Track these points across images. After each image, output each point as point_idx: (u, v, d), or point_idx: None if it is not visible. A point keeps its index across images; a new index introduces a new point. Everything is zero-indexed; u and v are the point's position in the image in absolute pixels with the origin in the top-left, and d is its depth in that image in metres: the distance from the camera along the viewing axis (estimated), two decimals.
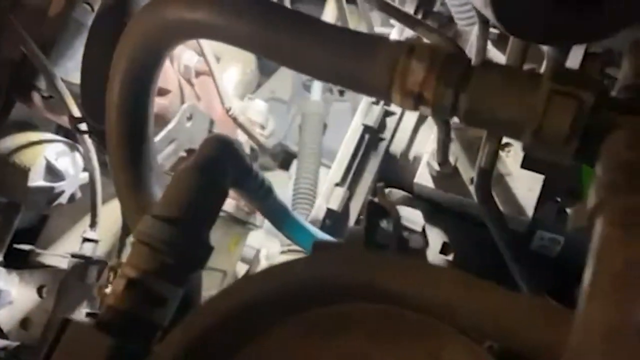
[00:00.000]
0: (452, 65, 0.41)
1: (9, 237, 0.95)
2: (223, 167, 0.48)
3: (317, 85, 1.51)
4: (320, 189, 1.56)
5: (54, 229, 1.05)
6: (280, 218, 0.57)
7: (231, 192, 1.12)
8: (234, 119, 1.02)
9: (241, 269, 1.52)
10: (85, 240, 0.96)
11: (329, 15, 1.70)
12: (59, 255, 0.98)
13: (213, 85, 1.02)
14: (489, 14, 0.41)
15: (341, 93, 1.65)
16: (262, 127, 1.28)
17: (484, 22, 0.64)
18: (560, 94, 0.37)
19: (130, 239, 0.95)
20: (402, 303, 0.35)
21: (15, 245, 0.97)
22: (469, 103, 0.41)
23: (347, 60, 0.43)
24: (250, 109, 1.25)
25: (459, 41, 0.85)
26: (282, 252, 1.45)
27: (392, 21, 0.76)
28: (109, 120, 0.56)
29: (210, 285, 1.32)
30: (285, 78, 1.83)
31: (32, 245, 1.00)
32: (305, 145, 1.55)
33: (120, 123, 0.55)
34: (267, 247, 1.55)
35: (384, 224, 0.48)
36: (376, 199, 0.47)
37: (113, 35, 0.68)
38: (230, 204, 1.13)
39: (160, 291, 0.44)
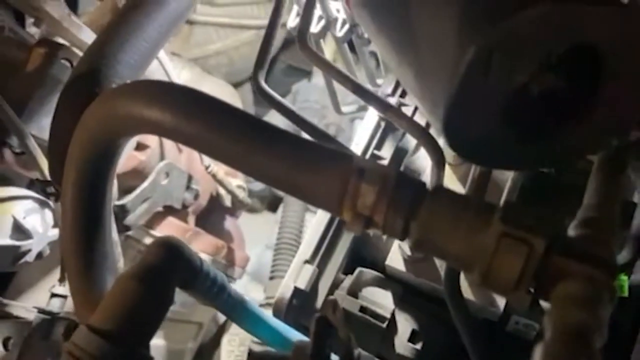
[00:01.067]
0: (404, 191, 0.39)
1: None
2: (168, 274, 0.46)
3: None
4: (304, 235, 1.54)
5: (23, 280, 1.03)
6: (237, 312, 0.55)
7: (208, 242, 1.08)
8: (213, 176, 1.00)
9: (221, 317, 1.50)
10: (54, 295, 0.93)
11: None
12: (25, 307, 0.96)
13: None
14: (443, 140, 0.40)
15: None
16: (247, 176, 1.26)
17: None
18: (510, 237, 0.35)
19: None
20: None
21: None
22: (418, 233, 0.39)
23: (297, 175, 0.41)
24: None
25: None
26: (261, 306, 1.43)
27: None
28: (63, 205, 0.55)
29: (185, 338, 1.29)
30: (275, 122, 1.83)
31: (0, 296, 0.98)
32: None
33: (75, 211, 0.53)
34: (250, 293, 1.53)
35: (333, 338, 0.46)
36: (325, 314, 0.45)
37: (83, 104, 0.67)
38: (206, 257, 1.11)
39: None
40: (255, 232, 1.57)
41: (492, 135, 0.39)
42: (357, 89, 0.65)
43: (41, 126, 0.84)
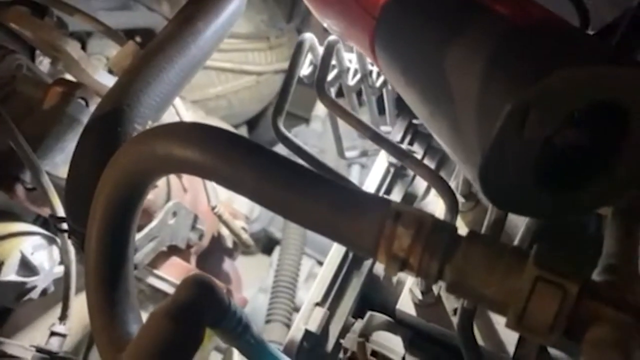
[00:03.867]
0: (439, 235, 0.41)
1: None
2: (200, 312, 0.46)
3: None
4: (301, 279, 1.55)
5: (21, 318, 1.01)
6: (258, 354, 0.55)
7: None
8: (219, 217, 1.01)
9: (215, 358, 1.47)
10: (53, 334, 0.92)
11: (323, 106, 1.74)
12: (23, 346, 0.94)
13: (200, 180, 1.02)
14: (477, 187, 0.42)
15: None
16: (247, 218, 1.28)
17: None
18: (544, 281, 0.37)
19: None
20: None
21: None
22: (453, 276, 0.40)
23: (335, 218, 0.43)
24: (237, 199, 1.25)
25: (446, 163, 0.86)
26: None
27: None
28: (88, 243, 0.55)
29: None
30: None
31: None
32: (289, 234, 1.55)
33: (100, 249, 0.54)
34: None
35: None
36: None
37: (105, 143, 0.69)
38: None
39: None
40: (249, 275, 1.56)
41: (524, 185, 0.41)
42: (374, 135, 0.68)
43: (55, 163, 0.85)
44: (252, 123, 1.95)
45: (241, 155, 0.46)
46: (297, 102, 1.90)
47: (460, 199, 0.74)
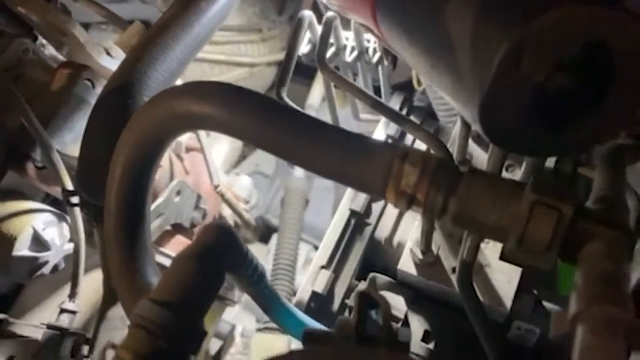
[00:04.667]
0: (443, 171, 0.45)
1: None
2: (221, 256, 0.49)
3: None
4: (299, 265, 1.58)
5: (30, 298, 1.03)
6: (271, 304, 0.58)
7: None
8: (222, 196, 1.04)
9: (215, 345, 1.50)
10: (63, 311, 0.94)
11: (316, 96, 1.78)
12: (33, 325, 0.96)
13: (202, 161, 1.05)
14: (477, 128, 0.45)
15: None
16: (247, 202, 1.31)
17: (466, 124, 0.70)
18: (542, 205, 0.41)
19: (111, 312, 0.94)
20: None
21: None
22: (457, 207, 0.44)
23: (346, 161, 0.46)
24: (236, 184, 1.28)
25: (441, 136, 0.90)
26: (259, 330, 1.44)
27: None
28: (109, 202, 0.58)
29: None
30: None
31: (6, 315, 0.98)
32: (287, 220, 1.58)
33: (120, 207, 0.57)
34: (242, 323, 1.54)
35: (373, 315, 0.50)
36: (367, 291, 0.49)
37: (117, 115, 0.72)
38: None
39: None
40: None
41: (521, 124, 0.44)
42: (376, 104, 0.71)
43: (64, 142, 0.87)
44: None
45: (255, 108, 0.49)
46: (290, 96, 1.94)
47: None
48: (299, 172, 1.67)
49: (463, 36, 0.45)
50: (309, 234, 1.64)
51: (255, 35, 1.81)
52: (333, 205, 1.60)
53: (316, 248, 1.66)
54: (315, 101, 1.77)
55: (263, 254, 1.70)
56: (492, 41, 0.42)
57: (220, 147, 1.69)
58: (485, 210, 0.43)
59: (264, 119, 0.49)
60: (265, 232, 1.76)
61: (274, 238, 1.69)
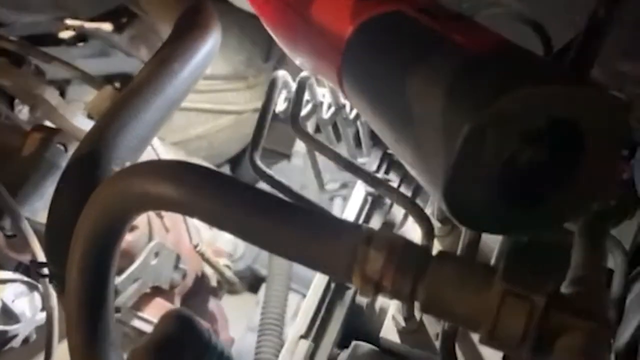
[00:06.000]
0: (410, 255, 0.42)
1: None
2: (180, 346, 0.47)
3: None
4: (288, 315, 1.53)
5: None
6: None
7: None
8: (201, 255, 1.02)
9: None
10: None
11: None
12: None
13: (182, 219, 1.03)
14: (443, 207, 0.43)
15: None
16: (230, 255, 1.28)
17: None
18: (512, 295, 0.38)
19: None
20: None
21: None
22: (426, 295, 0.41)
23: (311, 245, 0.44)
24: (219, 238, 1.26)
25: (420, 194, 0.88)
26: None
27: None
28: (69, 280, 0.56)
29: None
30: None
31: None
32: (275, 270, 1.54)
33: (81, 286, 0.54)
34: None
35: None
36: None
37: (83, 185, 0.69)
38: None
39: None
40: (236, 314, 1.55)
41: (488, 204, 0.42)
42: (349, 166, 0.69)
43: (34, 209, 0.85)
44: (234, 162, 1.96)
45: (214, 189, 0.47)
46: (278, 139, 1.92)
47: (437, 224, 0.75)
48: None
49: (427, 114, 0.44)
50: (298, 283, 1.60)
51: (241, 82, 1.80)
52: None
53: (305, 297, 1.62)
54: (302, 147, 1.76)
55: (252, 305, 1.66)
56: (455, 122, 0.40)
57: None
58: (454, 298, 0.41)
59: (226, 201, 0.47)
60: (253, 282, 1.72)
61: (263, 288, 1.65)
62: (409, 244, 0.43)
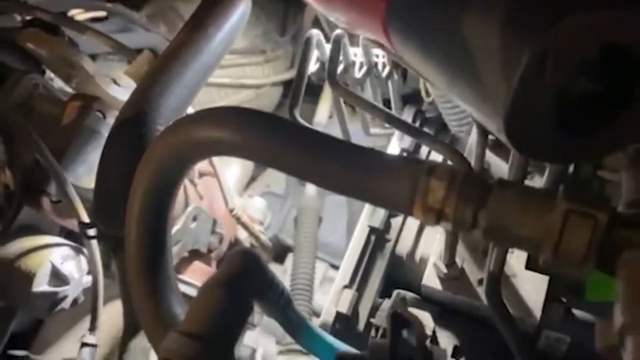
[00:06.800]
0: (471, 184, 0.44)
1: (2, 342, 0.93)
2: (248, 283, 0.49)
3: None
4: (316, 283, 1.56)
5: (50, 333, 1.02)
6: (299, 329, 0.57)
7: None
8: (237, 219, 1.04)
9: None
10: (84, 345, 0.93)
11: (323, 114, 1.78)
12: None
13: (215, 185, 1.05)
14: (502, 138, 0.44)
15: None
16: (262, 224, 1.30)
17: (482, 132, 0.69)
18: (575, 213, 0.40)
19: (132, 343, 0.93)
20: None
21: (10, 351, 0.94)
22: (488, 221, 0.43)
23: (370, 180, 0.46)
24: (250, 206, 1.28)
25: (456, 146, 0.89)
26: (280, 352, 1.42)
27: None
28: (129, 233, 0.57)
29: None
30: (279, 172, 1.89)
31: (27, 351, 0.97)
32: (301, 239, 1.57)
33: (141, 237, 0.56)
34: (263, 346, 1.53)
35: (404, 334, 0.49)
36: (399, 310, 0.48)
37: (131, 145, 0.71)
38: None
39: None
40: None
41: (545, 131, 0.44)
42: (390, 118, 0.71)
43: (78, 175, 0.87)
44: None
45: (273, 130, 0.49)
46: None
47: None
48: (310, 190, 1.66)
49: (483, 47, 0.45)
50: (324, 252, 1.63)
51: (259, 57, 1.81)
52: (347, 222, 1.59)
53: (332, 266, 1.64)
54: (322, 119, 1.77)
55: (279, 274, 1.69)
56: (515, 48, 0.41)
57: (232, 170, 1.69)
58: (516, 222, 0.42)
59: (283, 140, 0.48)
60: (279, 252, 1.74)
61: (289, 257, 1.67)
62: (469, 173, 0.44)
